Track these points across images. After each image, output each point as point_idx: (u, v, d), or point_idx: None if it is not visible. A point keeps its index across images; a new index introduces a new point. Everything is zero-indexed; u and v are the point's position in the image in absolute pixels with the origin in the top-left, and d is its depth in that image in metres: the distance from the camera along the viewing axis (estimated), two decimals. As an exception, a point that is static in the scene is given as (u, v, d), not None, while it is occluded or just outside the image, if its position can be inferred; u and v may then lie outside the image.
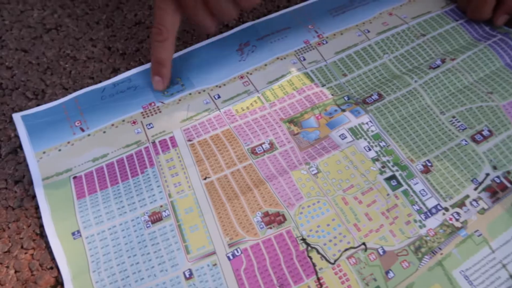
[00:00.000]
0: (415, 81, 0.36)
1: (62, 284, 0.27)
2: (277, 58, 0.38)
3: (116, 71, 0.38)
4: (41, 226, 0.30)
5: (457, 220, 0.29)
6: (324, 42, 0.39)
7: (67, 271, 0.28)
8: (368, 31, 0.40)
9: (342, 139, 0.33)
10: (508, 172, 0.31)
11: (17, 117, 0.35)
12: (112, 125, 0.34)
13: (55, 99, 0.36)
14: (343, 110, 0.35)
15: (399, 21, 0.41)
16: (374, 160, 0.32)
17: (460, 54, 0.38)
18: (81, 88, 0.37)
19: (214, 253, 0.28)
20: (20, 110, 0.35)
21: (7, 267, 0.28)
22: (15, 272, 0.28)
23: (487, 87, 0.36)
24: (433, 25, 0.41)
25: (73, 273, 0.27)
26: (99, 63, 0.38)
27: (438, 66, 0.37)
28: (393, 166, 0.32)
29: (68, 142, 0.33)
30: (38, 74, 0.38)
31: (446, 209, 0.30)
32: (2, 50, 0.39)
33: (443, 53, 0.39)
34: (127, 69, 0.38)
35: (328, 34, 0.40)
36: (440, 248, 0.28)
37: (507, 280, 0.27)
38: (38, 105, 0.36)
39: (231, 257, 0.28)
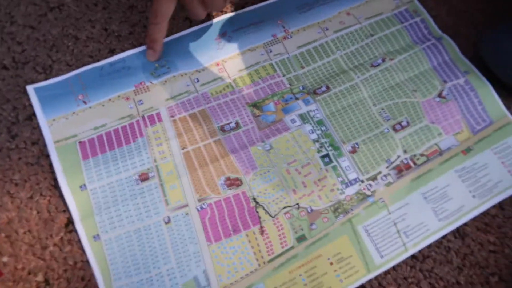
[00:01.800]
0: (358, 77, 0.45)
1: (73, 223, 0.37)
2: (248, 49, 0.46)
3: (112, 52, 0.45)
4: (55, 179, 0.39)
5: (368, 190, 0.40)
6: (289, 37, 0.47)
7: (76, 214, 0.37)
8: (327, 29, 0.48)
9: (293, 123, 0.42)
10: (414, 155, 0.42)
11: (30, 89, 0.42)
12: (110, 100, 0.42)
13: (61, 74, 0.43)
14: (297, 98, 0.44)
15: (354, 20, 0.48)
16: (315, 141, 0.42)
17: (398, 55, 0.46)
18: (82, 66, 0.44)
19: (187, 205, 0.38)
20: (32, 82, 0.43)
21: (31, 208, 0.38)
22: (37, 212, 0.38)
23: (413, 85, 0.45)
24: (382, 26, 0.48)
25: (81, 216, 0.37)
26: (97, 43, 0.45)
27: (379, 65, 0.46)
28: (328, 146, 0.41)
29: (74, 113, 0.42)
30: (45, 51, 0.44)
31: (362, 181, 0.40)
32: (12, 26, 0.45)
33: (385, 53, 0.47)
34: (122, 50, 0.45)
35: (293, 30, 0.47)
36: (352, 209, 0.39)
37: (394, 233, 0.38)
38: (46, 78, 0.43)
39: (199, 209, 0.38)
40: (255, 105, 0.43)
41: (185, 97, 0.43)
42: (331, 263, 0.37)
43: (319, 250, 0.37)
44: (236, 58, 0.46)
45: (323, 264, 0.37)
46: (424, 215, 0.39)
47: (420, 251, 0.38)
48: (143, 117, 0.42)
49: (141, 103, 0.43)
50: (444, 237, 0.39)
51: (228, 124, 0.42)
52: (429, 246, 0.38)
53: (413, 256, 0.38)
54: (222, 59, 0.45)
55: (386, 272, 0.37)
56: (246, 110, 0.43)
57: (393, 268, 0.37)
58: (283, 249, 0.37)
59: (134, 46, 0.45)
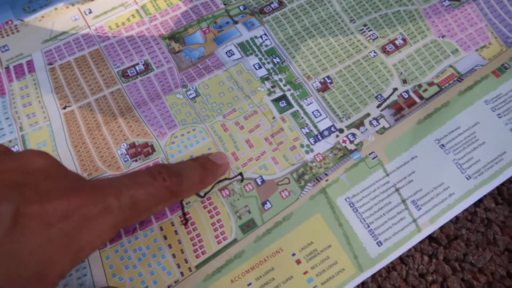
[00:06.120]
0: (325, -16, 0.30)
1: None
2: (163, -37, 0.32)
3: (-30, -13, 0.32)
4: None
5: (351, 142, 0.25)
6: None
7: None
8: None
9: (229, 56, 0.28)
10: (420, 86, 0.27)
11: None
12: (-40, 51, 0.29)
13: None
14: (236, 22, 0.29)
15: None
16: (264, 79, 0.27)
17: (382, -51, 0.32)
18: None
19: (67, 191, 0.24)
20: None
21: None
22: None
23: (409, -13, 0.30)
24: None
25: None
26: (-51, -23, 0.32)
27: (355, -35, 0.31)
28: (285, 85, 0.27)
29: None
30: None
31: (341, 131, 0.26)
32: None
33: (363, -50, 0.32)
34: (-15, -17, 0.32)
35: None
36: (326, 174, 0.24)
37: (398, 204, 0.24)
38: None
39: (87, 195, 0.24)
40: (173, 37, 0.29)
41: (71, 36, 0.29)
42: (299, 261, 0.23)
43: (278, 242, 0.23)
44: (146, -23, 0.32)
45: (285, 263, 0.23)
46: (443, 172, 0.25)
47: (441, 230, 0.24)
48: (7, 68, 0.28)
49: (6, 50, 0.29)
50: (478, 203, 0.24)
51: (133, 66, 0.28)
52: (456, 220, 0.24)
53: (431, 239, 0.24)
54: (126, -20, 0.31)
55: (390, 268, 0.23)
56: (160, 44, 0.29)
57: (401, 260, 0.23)
58: (220, 245, 0.23)
59: (2, -24, 0.32)
